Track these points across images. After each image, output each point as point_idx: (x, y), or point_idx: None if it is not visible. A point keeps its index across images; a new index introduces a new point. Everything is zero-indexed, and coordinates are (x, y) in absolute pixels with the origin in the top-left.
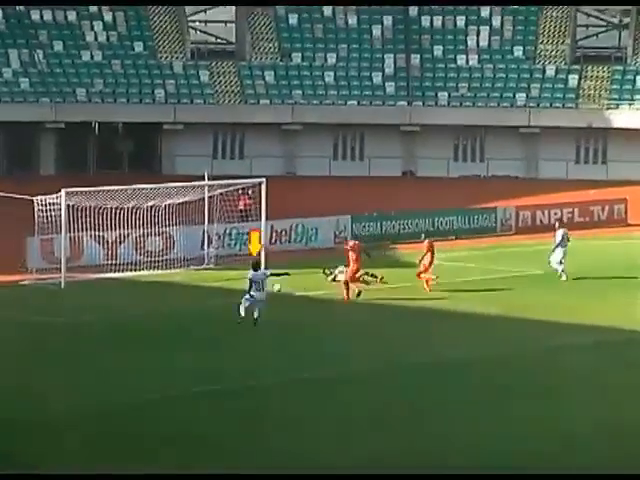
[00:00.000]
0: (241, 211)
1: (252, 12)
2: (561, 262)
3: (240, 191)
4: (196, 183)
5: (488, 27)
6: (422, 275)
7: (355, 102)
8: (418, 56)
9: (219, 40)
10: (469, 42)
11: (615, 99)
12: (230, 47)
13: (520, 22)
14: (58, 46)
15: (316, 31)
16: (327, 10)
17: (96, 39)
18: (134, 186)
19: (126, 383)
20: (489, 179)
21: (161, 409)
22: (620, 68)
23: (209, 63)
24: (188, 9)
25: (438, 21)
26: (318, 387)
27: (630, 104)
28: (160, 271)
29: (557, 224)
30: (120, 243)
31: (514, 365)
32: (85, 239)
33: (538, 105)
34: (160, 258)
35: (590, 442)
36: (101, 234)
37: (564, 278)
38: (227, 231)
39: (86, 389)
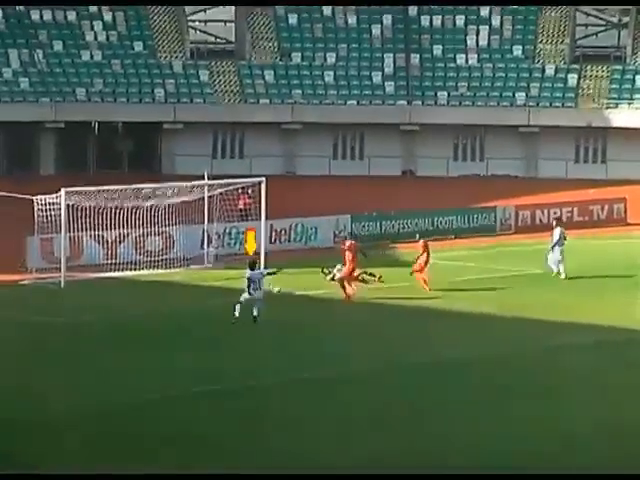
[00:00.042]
0: (241, 210)
1: (252, 12)
2: (560, 261)
3: (240, 190)
4: (196, 183)
5: (487, 27)
6: (418, 275)
7: (355, 102)
8: (418, 55)
9: (219, 40)
10: (469, 42)
11: (614, 98)
12: (230, 47)
13: (519, 22)
14: (58, 46)
15: (316, 31)
16: (327, 10)
17: (96, 39)
18: (134, 186)
19: (126, 383)
20: (489, 178)
21: (161, 409)
22: (619, 67)
23: (209, 63)
24: (188, 9)
25: (437, 20)
26: (318, 387)
27: (629, 103)
28: (160, 271)
29: (554, 222)
30: (120, 243)
31: (514, 365)
32: (85, 239)
33: (537, 104)
34: (160, 258)
35: (590, 442)
36: (101, 234)
37: (563, 276)
38: (227, 230)
39: (86, 389)
